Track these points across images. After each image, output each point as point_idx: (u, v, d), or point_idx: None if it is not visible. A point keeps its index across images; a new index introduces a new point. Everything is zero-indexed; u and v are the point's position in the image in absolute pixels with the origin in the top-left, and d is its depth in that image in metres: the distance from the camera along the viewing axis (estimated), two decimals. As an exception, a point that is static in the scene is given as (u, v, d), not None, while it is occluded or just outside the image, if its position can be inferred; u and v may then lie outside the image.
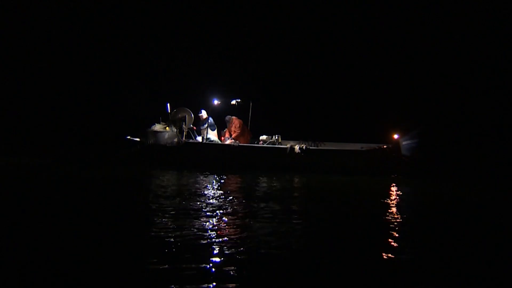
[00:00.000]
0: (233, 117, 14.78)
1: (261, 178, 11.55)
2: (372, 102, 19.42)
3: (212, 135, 14.50)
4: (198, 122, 14.63)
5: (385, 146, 13.21)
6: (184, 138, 14.07)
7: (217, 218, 6.20)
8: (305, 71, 21.31)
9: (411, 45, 20.81)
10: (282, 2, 23.10)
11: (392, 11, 21.63)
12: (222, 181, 10.80)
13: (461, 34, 20.24)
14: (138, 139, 14.31)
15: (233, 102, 14.88)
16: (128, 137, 14.27)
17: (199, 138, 14.33)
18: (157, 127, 14.31)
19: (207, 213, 6.50)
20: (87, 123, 19.33)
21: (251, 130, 14.94)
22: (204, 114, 14.57)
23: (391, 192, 9.77)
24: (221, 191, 8.85)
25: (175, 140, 14.01)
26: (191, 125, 14.42)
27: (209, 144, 14.09)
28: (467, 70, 19.50)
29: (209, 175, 11.80)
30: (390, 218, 6.69)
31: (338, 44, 21.86)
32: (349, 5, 22.62)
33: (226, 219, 6.19)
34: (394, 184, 11.10)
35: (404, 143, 12.98)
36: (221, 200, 7.78)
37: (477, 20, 20.20)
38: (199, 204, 7.19)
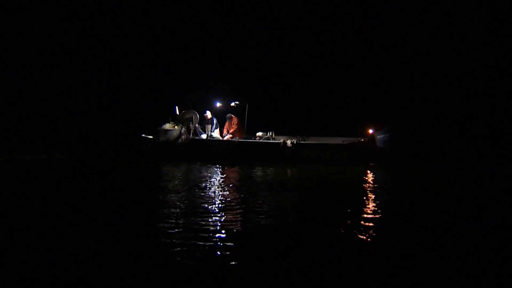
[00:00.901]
0: (233, 115, 17.03)
1: (258, 169, 13.56)
2: (349, 100, 21.88)
3: (215, 133, 16.71)
4: (203, 121, 16.81)
5: (362, 140, 15.60)
6: (191, 136, 16.29)
7: (219, 205, 7.21)
8: (292, 75, 23.66)
9: (386, 45, 23.10)
10: (267, 7, 25.09)
11: (367, 13, 23.81)
12: (225, 172, 12.62)
13: (432, 31, 22.47)
14: (151, 137, 16.44)
15: (232, 104, 17.19)
16: (143, 135, 16.37)
17: (204, 136, 16.51)
18: (167, 126, 16.50)
19: (210, 201, 7.63)
20: (104, 123, 21.28)
21: (247, 128, 17.20)
22: (208, 114, 16.80)
23: (369, 179, 11.75)
24: (223, 181, 10.57)
25: (183, 137, 16.22)
26: (197, 124, 16.62)
27: (213, 140, 16.31)
28: (435, 67, 21.89)
29: (213, 167, 13.84)
30: (370, 201, 7.99)
31: (316, 47, 24.11)
32: (330, 8, 24.63)
33: (227, 205, 7.27)
34: (371, 172, 13.30)
35: (378, 136, 15.39)
36: (224, 188, 9.28)
37: (449, 17, 22.37)
38: (205, 193, 8.52)
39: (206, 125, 16.76)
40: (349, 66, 23.19)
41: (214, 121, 16.78)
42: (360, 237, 5.40)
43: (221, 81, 21.76)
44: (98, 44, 24.73)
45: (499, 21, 21.50)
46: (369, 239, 5.36)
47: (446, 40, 22.12)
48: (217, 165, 14.32)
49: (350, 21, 23.89)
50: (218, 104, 17.07)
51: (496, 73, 20.84)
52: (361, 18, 23.71)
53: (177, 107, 16.61)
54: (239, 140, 16.17)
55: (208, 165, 14.21)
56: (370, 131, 15.84)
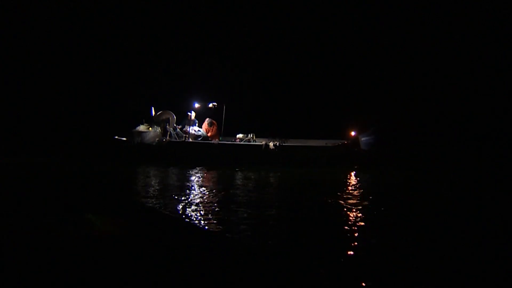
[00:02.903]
0: (212, 120, 16.35)
1: (239, 172, 13.16)
2: (331, 102, 21.58)
3: (201, 130, 16.01)
4: (185, 121, 16.05)
5: (346, 142, 15.21)
6: (168, 138, 15.51)
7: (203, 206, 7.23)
8: (271, 77, 23.24)
9: (368, 45, 23.02)
10: (245, 7, 24.68)
11: (349, 17, 23.76)
12: (204, 176, 12.29)
13: (418, 31, 22.53)
14: (124, 139, 15.58)
15: (210, 105, 16.49)
16: (116, 137, 15.48)
17: (191, 130, 15.73)
18: (141, 127, 15.68)
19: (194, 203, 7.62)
20: (77, 124, 20.21)
21: (225, 130, 16.55)
22: (193, 115, 16.10)
23: (352, 181, 11.82)
24: (202, 185, 10.26)
25: (158, 139, 15.43)
26: (175, 125, 15.87)
27: (191, 142, 15.57)
28: (419, 68, 21.92)
29: (191, 170, 13.27)
30: (355, 202, 8.23)
31: (296, 49, 23.85)
32: (311, 10, 24.46)
33: (212, 207, 7.28)
34: (355, 174, 13.15)
35: (362, 139, 15.02)
36: (204, 193, 9.06)
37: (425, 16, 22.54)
38: (181, 198, 8.23)
39: (186, 126, 16.01)
40: (330, 67, 22.97)
41: (196, 123, 16.12)
42: (339, 240, 5.58)
43: (199, 82, 21.07)
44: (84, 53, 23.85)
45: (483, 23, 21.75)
46: (349, 243, 5.49)
47: (431, 40, 22.21)
48: (196, 168, 13.70)
49: (333, 23, 23.74)
50: (196, 105, 16.34)
51: (483, 72, 21.01)
52: (343, 22, 23.60)
53: (153, 108, 15.79)
54: (219, 142, 15.48)
55: (186, 169, 13.54)
56: (353, 133, 15.49)
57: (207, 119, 16.33)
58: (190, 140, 15.75)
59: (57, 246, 4.32)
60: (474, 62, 21.41)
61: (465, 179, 11.95)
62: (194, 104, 16.32)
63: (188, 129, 15.89)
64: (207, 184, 10.26)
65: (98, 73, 23.10)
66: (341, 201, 8.23)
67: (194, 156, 15.08)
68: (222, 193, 9.07)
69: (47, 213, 5.53)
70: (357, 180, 11.84)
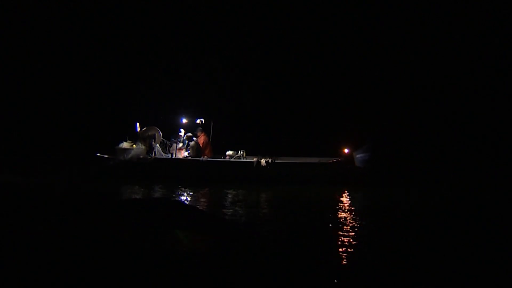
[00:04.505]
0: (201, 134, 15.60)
1: (230, 190, 12.48)
2: (322, 118, 21.02)
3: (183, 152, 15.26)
4: (176, 138, 15.28)
5: (339, 159, 14.62)
6: (153, 155, 14.71)
7: None
8: (260, 92, 22.65)
9: (361, 55, 22.64)
10: (233, 15, 24.27)
11: (339, 22, 23.45)
12: (192, 194, 11.77)
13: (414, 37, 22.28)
14: (107, 156, 14.74)
15: (198, 121, 15.77)
16: (98, 154, 14.63)
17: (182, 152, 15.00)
18: (125, 144, 14.89)
19: None
20: (59, 139, 19.25)
21: (214, 147, 15.80)
22: (182, 133, 15.35)
23: (347, 200, 11.45)
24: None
25: (142, 156, 14.62)
26: (167, 141, 15.13)
27: (178, 159, 14.79)
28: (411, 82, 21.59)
29: (178, 189, 12.63)
30: (353, 224, 8.10)
31: (284, 61, 23.38)
32: (298, 17, 24.13)
33: None
34: (349, 192, 12.70)
35: (357, 156, 14.45)
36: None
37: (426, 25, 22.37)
38: None
39: (173, 143, 15.23)
40: (321, 80, 22.41)
41: (186, 141, 15.37)
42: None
43: (187, 97, 20.32)
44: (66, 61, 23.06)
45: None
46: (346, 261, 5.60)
47: (426, 49, 21.95)
48: (183, 187, 12.98)
49: (322, 30, 23.35)
50: (184, 120, 15.61)
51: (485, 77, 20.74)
52: (334, 29, 23.22)
53: (138, 124, 15.03)
54: (207, 159, 14.73)
55: (173, 187, 12.84)
56: (346, 150, 14.93)
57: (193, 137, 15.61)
58: (180, 157, 15.02)
59: (152, 260, 4.56)
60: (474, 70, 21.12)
61: (468, 197, 11.60)
62: (181, 119, 15.60)
63: (175, 146, 15.13)
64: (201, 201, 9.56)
65: (79, 85, 22.28)
66: (335, 219, 8.42)
67: (182, 174, 14.29)
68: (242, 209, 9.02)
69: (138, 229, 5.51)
70: (350, 199, 11.62)
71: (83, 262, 4.38)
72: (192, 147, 15.06)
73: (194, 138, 15.38)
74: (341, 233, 7.20)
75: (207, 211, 8.82)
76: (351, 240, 6.67)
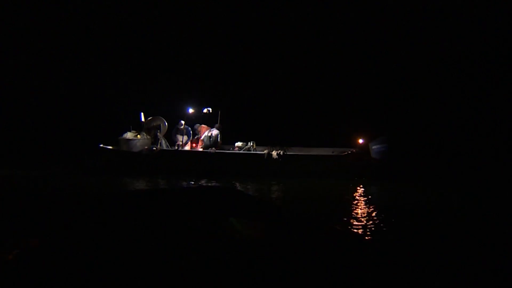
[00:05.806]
0: (202, 125, 14.93)
1: (239, 184, 11.92)
2: (337, 107, 20.22)
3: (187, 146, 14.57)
4: (176, 131, 14.63)
5: (354, 151, 13.85)
6: (159, 146, 14.05)
7: None
8: (270, 81, 21.94)
9: (375, 50, 21.84)
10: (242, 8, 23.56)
11: (346, 17, 22.68)
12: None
13: (420, 37, 21.48)
14: (110, 147, 14.12)
15: (205, 110, 15.03)
16: (101, 145, 14.01)
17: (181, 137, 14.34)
18: (129, 135, 14.25)
19: None
20: (61, 131, 18.76)
21: (222, 138, 15.08)
22: (182, 124, 14.65)
23: (363, 193, 11.07)
24: None
25: (147, 147, 13.98)
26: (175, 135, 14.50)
27: (185, 151, 14.12)
28: (430, 74, 20.75)
29: (185, 182, 12.13)
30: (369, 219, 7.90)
31: (301, 52, 22.64)
32: (305, 11, 23.39)
33: None
34: (364, 186, 12.14)
35: (373, 147, 13.65)
36: None
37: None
38: None
39: (177, 135, 14.53)
40: (334, 66, 21.60)
41: (190, 132, 14.65)
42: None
43: (192, 86, 19.60)
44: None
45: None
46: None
47: (437, 41, 21.14)
48: (190, 181, 12.35)
49: (330, 25, 22.59)
50: (191, 110, 14.86)
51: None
52: (346, 21, 22.44)
53: (142, 114, 14.37)
54: (215, 151, 14.01)
55: (180, 180, 12.28)
56: (360, 141, 14.15)
57: (196, 125, 14.92)
58: (186, 148, 14.36)
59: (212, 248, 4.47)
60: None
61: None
62: (188, 109, 14.86)
63: (179, 138, 14.44)
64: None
65: (81, 76, 21.70)
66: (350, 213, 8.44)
67: (187, 167, 13.59)
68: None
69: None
70: (365, 193, 11.17)
71: (142, 253, 4.20)
72: (215, 136, 14.32)
73: (216, 125, 14.63)
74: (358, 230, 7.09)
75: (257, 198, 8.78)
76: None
